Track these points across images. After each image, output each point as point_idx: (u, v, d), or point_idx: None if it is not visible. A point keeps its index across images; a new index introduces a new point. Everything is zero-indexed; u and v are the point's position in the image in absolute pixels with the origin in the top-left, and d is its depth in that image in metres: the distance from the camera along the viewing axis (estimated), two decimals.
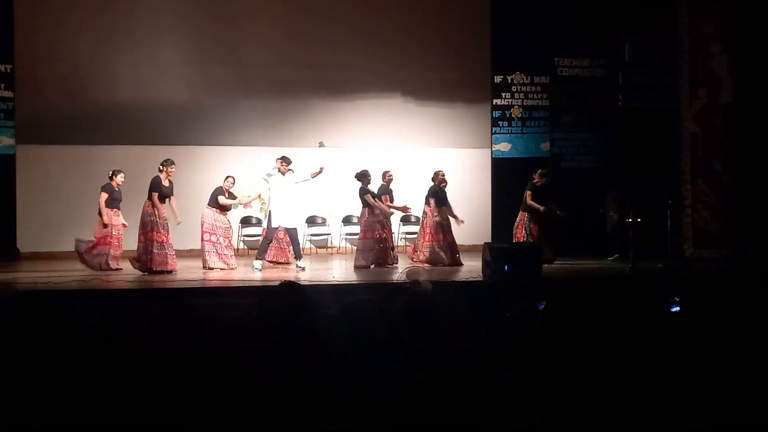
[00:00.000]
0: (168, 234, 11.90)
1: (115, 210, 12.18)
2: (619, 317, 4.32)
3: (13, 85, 14.33)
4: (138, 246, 11.87)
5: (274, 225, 12.30)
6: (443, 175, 13.11)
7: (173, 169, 12.07)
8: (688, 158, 13.43)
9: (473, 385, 3.09)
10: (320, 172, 12.69)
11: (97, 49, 15.32)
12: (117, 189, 12.21)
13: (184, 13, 15.62)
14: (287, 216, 12.27)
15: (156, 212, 11.79)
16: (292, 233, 12.41)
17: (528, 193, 13.06)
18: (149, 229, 11.78)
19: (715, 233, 13.37)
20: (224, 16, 15.75)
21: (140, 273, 11.70)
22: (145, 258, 11.72)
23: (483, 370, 3.30)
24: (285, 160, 12.36)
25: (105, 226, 12.04)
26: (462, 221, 13.07)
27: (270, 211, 12.40)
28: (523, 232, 13.10)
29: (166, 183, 12.01)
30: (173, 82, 15.63)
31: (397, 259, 12.94)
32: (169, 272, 11.71)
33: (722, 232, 13.32)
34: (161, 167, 12.05)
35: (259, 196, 13.14)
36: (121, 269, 12.05)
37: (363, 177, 12.79)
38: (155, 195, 11.83)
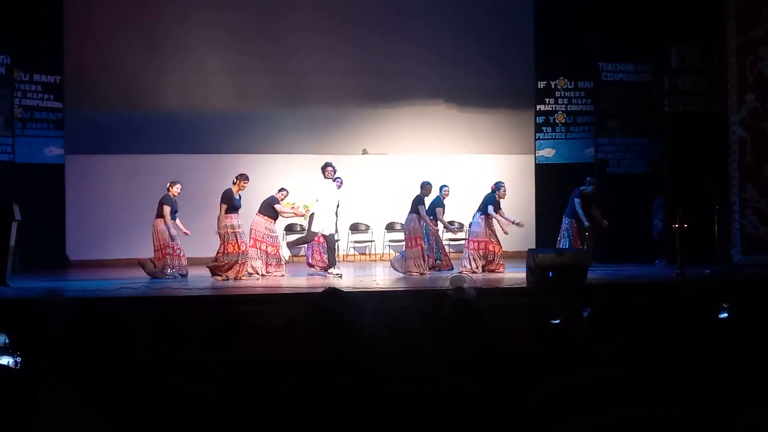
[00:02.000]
0: (244, 243, 12.05)
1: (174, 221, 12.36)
2: (666, 324, 4.28)
3: (62, 95, 14.58)
4: (217, 255, 12.01)
5: (314, 230, 12.41)
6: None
7: (246, 184, 12.18)
8: (736, 163, 13.24)
9: (521, 393, 3.09)
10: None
11: (145, 59, 15.55)
12: (174, 200, 12.38)
13: (232, 24, 15.80)
14: (328, 222, 12.36)
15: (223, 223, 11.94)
16: (330, 240, 12.46)
17: (578, 201, 13.00)
18: (226, 240, 11.92)
19: (764, 239, 13.15)
20: (271, 28, 15.90)
21: (171, 278, 11.96)
22: (224, 267, 11.91)
23: (531, 378, 3.29)
24: (330, 166, 12.42)
25: (172, 238, 12.19)
26: (519, 223, 13.11)
27: (313, 215, 12.51)
28: (566, 238, 13.02)
29: (237, 196, 12.13)
30: (220, 92, 15.81)
31: (450, 266, 12.95)
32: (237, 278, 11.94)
33: None
34: (235, 180, 12.17)
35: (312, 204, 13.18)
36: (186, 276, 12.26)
37: (422, 188, 12.81)
38: (223, 207, 11.97)
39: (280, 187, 12.85)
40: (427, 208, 12.87)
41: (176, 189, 12.40)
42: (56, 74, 14.48)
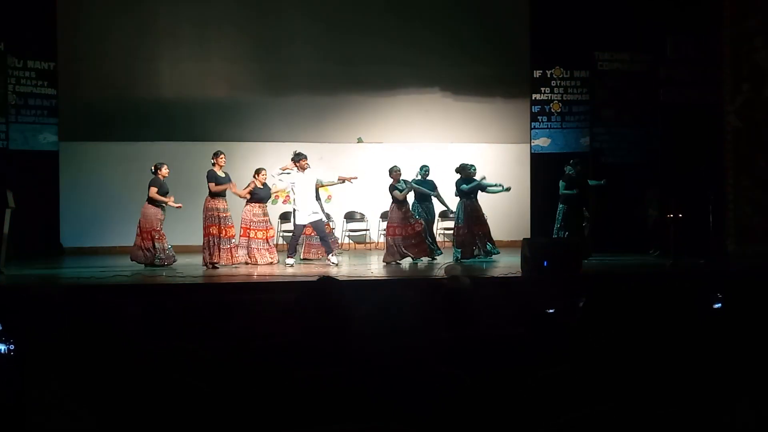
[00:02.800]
0: (231, 227, 12.08)
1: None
2: (660, 314, 4.28)
3: (56, 82, 14.52)
4: (203, 241, 12.01)
5: (298, 222, 12.38)
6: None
7: (223, 159, 12.18)
8: (730, 154, 13.25)
9: (513, 382, 3.08)
10: (348, 180, 12.84)
11: (138, 46, 15.50)
12: (163, 181, 12.32)
13: (225, 10, 15.75)
14: (309, 212, 12.29)
15: (214, 206, 11.92)
16: (318, 226, 12.38)
17: (563, 184, 13.02)
18: (210, 223, 11.92)
19: (758, 229, 13.18)
20: (264, 14, 15.86)
21: (166, 266, 11.96)
22: (208, 253, 11.87)
23: (523, 367, 3.29)
24: (300, 156, 12.31)
25: (159, 223, 12.14)
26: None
27: (294, 210, 12.49)
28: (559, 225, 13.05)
29: (221, 174, 12.13)
30: (214, 79, 15.78)
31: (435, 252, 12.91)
32: (237, 266, 11.95)
33: (765, 229, 13.13)
34: (212, 160, 12.17)
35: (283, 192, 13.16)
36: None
37: (390, 173, 12.80)
38: (212, 185, 11.96)
39: (257, 168, 12.80)
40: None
41: (164, 170, 12.34)
42: (50, 61, 14.42)
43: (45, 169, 14.46)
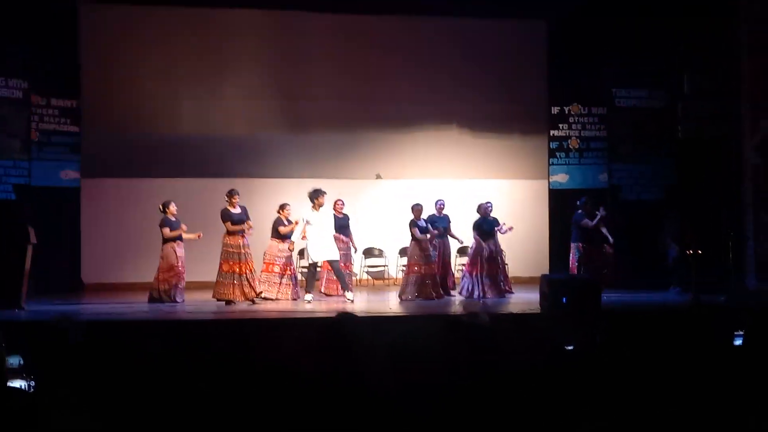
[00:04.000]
0: (251, 263, 12.02)
1: (177, 242, 12.31)
2: (681, 350, 4.27)
3: (79, 120, 14.70)
4: (217, 275, 12.01)
5: (313, 260, 12.42)
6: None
7: (237, 198, 12.15)
8: (749, 190, 13.18)
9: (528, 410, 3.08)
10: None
11: (160, 85, 15.66)
12: (174, 220, 12.37)
13: (245, 50, 15.90)
14: (325, 249, 12.33)
15: (232, 242, 11.93)
16: (334, 266, 12.46)
17: (583, 220, 13.04)
18: (226, 259, 11.92)
19: None
20: (283, 54, 16.00)
21: (171, 304, 11.98)
22: (225, 289, 11.86)
23: (542, 401, 3.28)
24: (318, 194, 12.39)
25: (177, 260, 12.17)
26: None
27: (307, 246, 12.56)
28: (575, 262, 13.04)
29: (236, 210, 12.09)
30: (233, 117, 15.90)
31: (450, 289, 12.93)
32: (252, 301, 11.91)
33: None
34: (226, 198, 12.17)
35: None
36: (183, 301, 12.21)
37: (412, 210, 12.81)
38: (227, 224, 11.97)
39: (282, 204, 12.87)
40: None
41: (172, 208, 12.37)
42: (73, 98, 14.61)
43: (66, 205, 14.60)
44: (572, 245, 13.27)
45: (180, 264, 12.20)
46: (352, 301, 12.17)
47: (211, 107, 15.82)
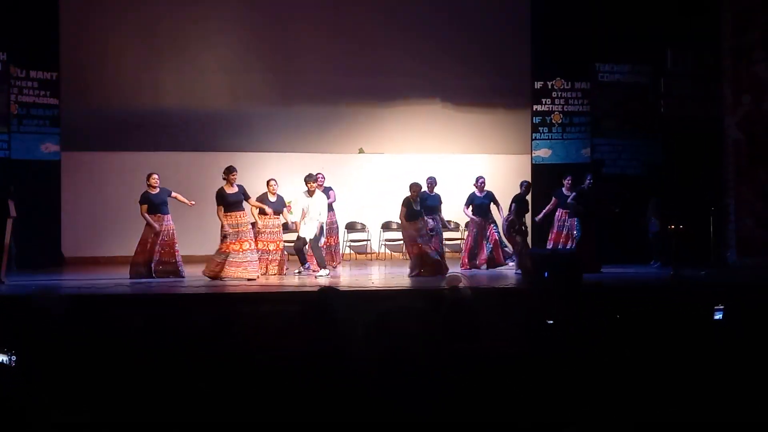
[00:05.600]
0: (246, 241, 11.79)
1: (158, 215, 12.11)
2: (661, 324, 4.29)
3: (59, 92, 14.53)
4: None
5: (302, 235, 12.40)
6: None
7: (235, 176, 11.91)
8: (731, 166, 13.26)
9: (512, 393, 3.09)
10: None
11: (141, 56, 15.54)
12: (158, 191, 12.13)
13: (227, 21, 15.80)
14: (309, 228, 12.30)
15: (230, 222, 11.78)
16: (312, 243, 12.41)
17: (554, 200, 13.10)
18: (222, 239, 11.78)
19: (759, 241, 13.18)
20: (266, 25, 15.90)
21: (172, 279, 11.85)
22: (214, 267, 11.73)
23: (522, 378, 3.29)
24: (309, 178, 12.35)
25: (156, 234, 11.95)
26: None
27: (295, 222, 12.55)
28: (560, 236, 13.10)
29: (233, 189, 11.85)
30: (216, 90, 15.82)
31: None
32: (250, 279, 11.70)
33: (766, 241, 13.14)
34: (223, 176, 11.93)
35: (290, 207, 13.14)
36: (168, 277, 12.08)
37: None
38: (219, 209, 11.79)
39: (268, 179, 12.78)
40: None
41: (152, 179, 12.07)
42: (53, 71, 14.44)
43: (47, 178, 14.46)
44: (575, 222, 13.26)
45: (156, 239, 11.93)
46: (324, 276, 12.05)
47: (192, 80, 15.73)
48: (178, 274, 12.00)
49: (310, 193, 12.36)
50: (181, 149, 15.47)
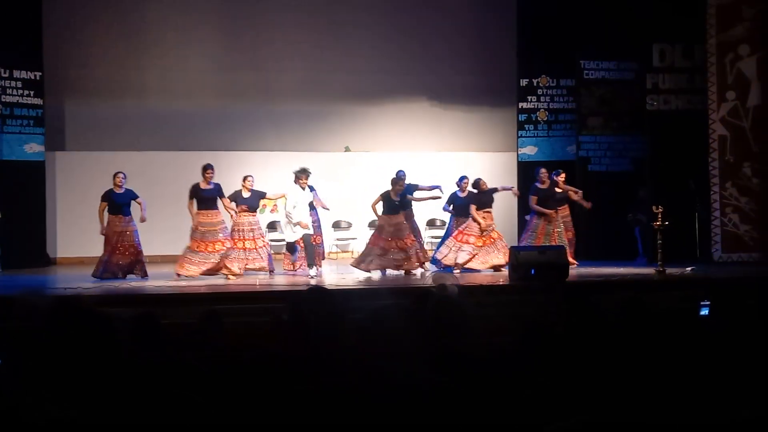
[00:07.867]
0: (216, 242, 11.74)
1: (119, 216, 11.83)
2: (647, 320, 4.31)
3: (43, 92, 14.46)
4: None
5: (291, 239, 12.36)
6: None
7: (210, 174, 11.86)
8: (716, 161, 13.31)
9: (502, 391, 3.09)
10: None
11: (125, 56, 15.49)
12: (122, 192, 11.88)
13: (212, 20, 15.77)
14: (298, 227, 12.20)
15: (193, 219, 11.72)
16: (305, 240, 12.31)
17: (532, 198, 12.99)
18: (197, 237, 11.72)
19: (745, 237, 13.24)
20: (252, 24, 15.88)
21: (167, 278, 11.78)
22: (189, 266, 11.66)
23: (512, 376, 3.30)
24: (304, 173, 12.21)
25: (119, 234, 11.77)
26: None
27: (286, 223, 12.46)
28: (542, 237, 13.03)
29: (208, 186, 11.80)
30: (201, 89, 15.77)
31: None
32: (233, 276, 11.71)
33: (752, 236, 13.20)
34: (201, 173, 11.90)
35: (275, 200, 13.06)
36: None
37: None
38: (190, 203, 11.75)
39: (245, 175, 12.53)
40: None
41: (118, 179, 11.85)
42: (36, 71, 14.36)
43: (31, 179, 14.39)
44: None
45: (119, 238, 11.75)
46: (313, 277, 12.00)
47: (177, 79, 15.68)
48: (141, 273, 11.86)
49: (302, 188, 12.27)
50: (166, 148, 15.42)
